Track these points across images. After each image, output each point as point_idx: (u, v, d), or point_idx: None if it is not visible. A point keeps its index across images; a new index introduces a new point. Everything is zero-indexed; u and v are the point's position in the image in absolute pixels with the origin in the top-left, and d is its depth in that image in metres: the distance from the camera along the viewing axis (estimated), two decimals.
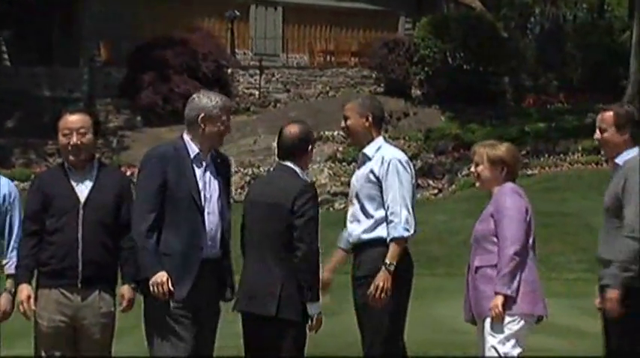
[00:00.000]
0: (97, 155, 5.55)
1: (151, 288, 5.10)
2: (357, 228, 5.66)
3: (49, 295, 5.27)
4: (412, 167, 5.75)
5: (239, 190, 18.98)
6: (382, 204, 5.59)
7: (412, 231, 5.57)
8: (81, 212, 5.26)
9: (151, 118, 25.28)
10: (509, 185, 5.46)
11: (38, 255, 5.29)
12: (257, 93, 28.81)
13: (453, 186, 21.26)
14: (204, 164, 5.29)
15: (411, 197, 5.62)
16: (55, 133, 5.36)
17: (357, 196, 5.70)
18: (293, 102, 28.30)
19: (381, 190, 5.60)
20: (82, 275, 5.24)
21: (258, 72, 29.07)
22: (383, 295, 5.43)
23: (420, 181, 21.38)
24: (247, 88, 28.97)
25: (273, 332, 5.26)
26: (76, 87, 26.79)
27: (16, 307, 5.28)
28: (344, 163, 22.57)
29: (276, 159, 5.60)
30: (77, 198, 5.29)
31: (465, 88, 26.37)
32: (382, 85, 28.28)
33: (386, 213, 5.56)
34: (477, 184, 5.59)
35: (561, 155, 22.03)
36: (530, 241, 5.38)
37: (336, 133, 22.92)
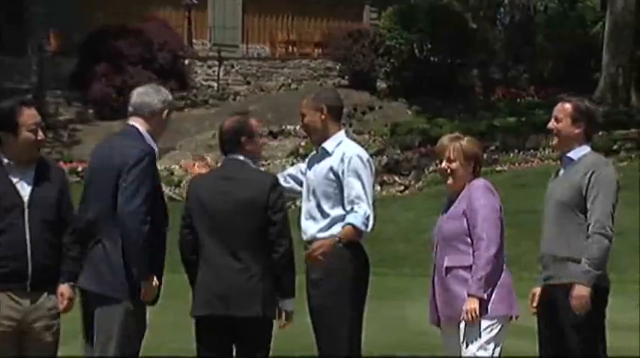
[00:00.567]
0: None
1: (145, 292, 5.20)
2: (312, 226, 5.65)
3: None
4: (372, 164, 5.73)
5: None
6: (339, 202, 5.58)
7: (369, 230, 5.57)
8: (26, 211, 5.21)
9: (104, 111, 25.10)
10: (481, 182, 5.42)
11: None
12: (215, 85, 28.72)
13: (420, 183, 21.31)
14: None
15: (372, 195, 5.62)
16: (10, 127, 5.24)
17: (313, 193, 5.68)
18: (253, 95, 28.25)
19: (340, 188, 5.58)
20: (32, 279, 5.20)
21: (216, 63, 28.98)
22: (320, 257, 5.41)
23: (385, 178, 21.44)
24: (205, 80, 28.88)
25: (251, 333, 5.24)
26: (24, 78, 26.53)
27: None
28: (306, 159, 22.54)
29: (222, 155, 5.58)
30: (20, 197, 5.23)
31: (432, 81, 26.47)
32: (346, 77, 28.31)
33: (344, 211, 5.56)
34: (449, 182, 5.44)
35: (531, 150, 22.14)
36: (503, 240, 5.39)
37: (298, 127, 22.90)
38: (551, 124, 5.63)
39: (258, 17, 30.61)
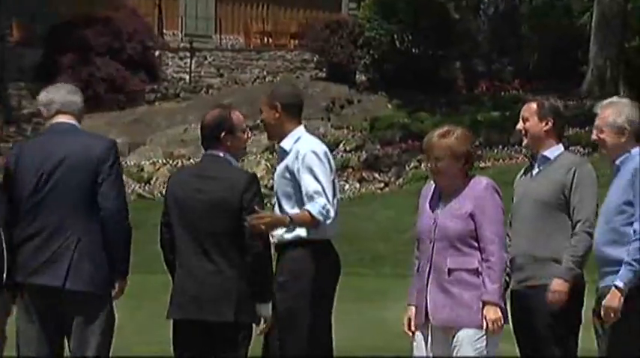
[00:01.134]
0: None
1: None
2: (278, 228, 5.61)
3: None
4: (331, 159, 5.68)
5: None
6: (299, 201, 5.55)
7: (328, 221, 5.49)
8: None
9: None
10: (485, 180, 5.37)
11: None
12: (187, 77, 28.65)
13: (401, 180, 21.36)
14: None
15: (331, 190, 5.55)
16: None
17: (276, 194, 5.69)
18: (227, 87, 28.20)
19: (297, 186, 5.55)
20: None
21: (188, 54, 28.90)
22: (262, 225, 5.28)
23: (365, 174, 21.49)
24: (177, 72, 28.80)
25: (225, 337, 5.24)
26: None
27: None
28: None
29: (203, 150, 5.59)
30: None
31: (413, 74, 26.50)
32: (324, 69, 28.30)
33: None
34: (439, 181, 5.38)
35: (516, 146, 22.18)
36: None
37: None
38: (520, 126, 5.87)
39: (232, 6, 30.56)
